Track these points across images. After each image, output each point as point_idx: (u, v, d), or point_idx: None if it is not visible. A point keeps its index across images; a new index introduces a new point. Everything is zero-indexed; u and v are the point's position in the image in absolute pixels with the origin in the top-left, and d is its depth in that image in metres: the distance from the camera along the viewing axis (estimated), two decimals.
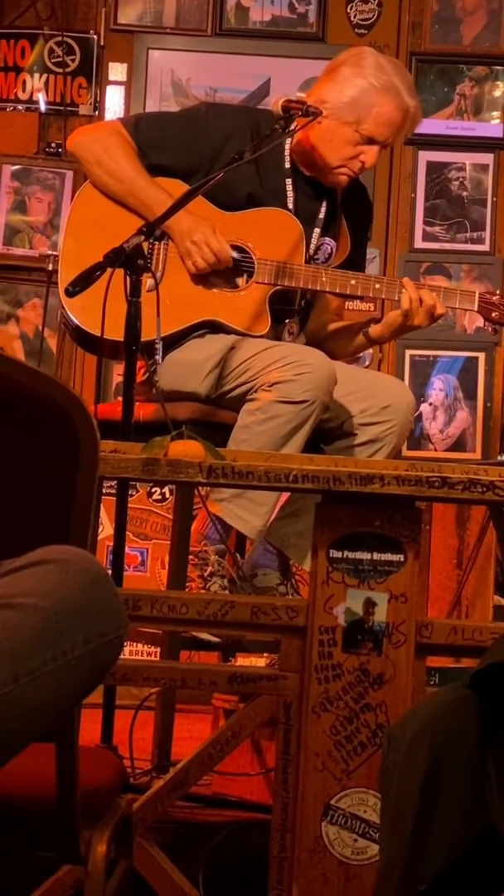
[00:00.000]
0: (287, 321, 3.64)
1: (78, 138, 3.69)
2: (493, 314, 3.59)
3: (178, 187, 3.55)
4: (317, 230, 3.67)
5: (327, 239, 3.70)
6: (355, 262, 3.73)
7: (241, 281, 3.59)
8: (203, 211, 3.50)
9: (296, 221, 3.61)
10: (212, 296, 3.57)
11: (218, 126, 3.62)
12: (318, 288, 3.60)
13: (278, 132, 3.52)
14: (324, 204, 3.69)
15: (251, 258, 3.57)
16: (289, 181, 3.65)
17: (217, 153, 3.57)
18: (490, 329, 3.62)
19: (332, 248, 3.72)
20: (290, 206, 3.64)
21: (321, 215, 3.68)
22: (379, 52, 3.74)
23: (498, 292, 3.66)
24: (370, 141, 3.61)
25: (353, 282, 3.59)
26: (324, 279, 3.58)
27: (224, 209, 3.57)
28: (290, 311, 3.65)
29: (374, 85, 3.58)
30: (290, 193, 3.65)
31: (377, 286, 3.61)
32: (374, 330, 3.65)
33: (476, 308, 3.60)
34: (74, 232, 3.60)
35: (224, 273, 3.57)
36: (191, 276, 3.55)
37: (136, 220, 3.48)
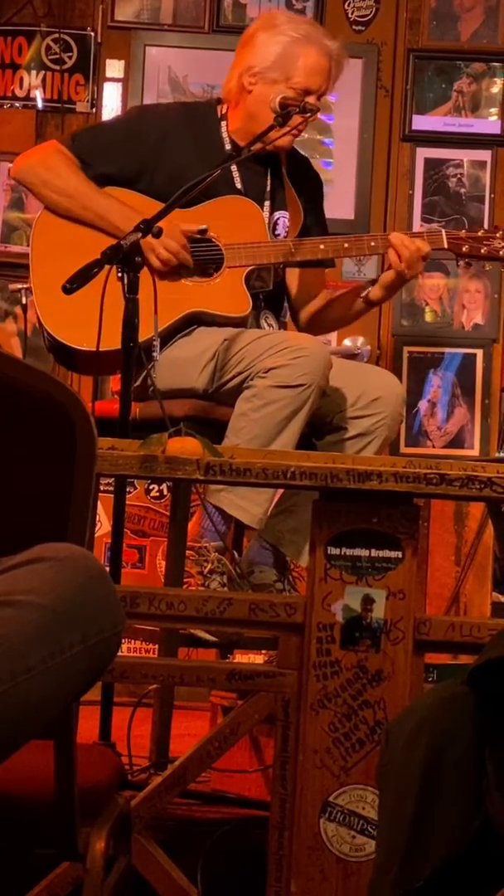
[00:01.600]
0: (263, 309, 3.65)
1: (20, 164, 3.71)
2: (464, 248, 3.64)
3: (126, 195, 3.58)
4: (267, 203, 3.70)
5: (280, 213, 3.73)
6: (314, 229, 3.76)
7: (210, 271, 3.60)
8: (158, 209, 3.49)
9: (252, 203, 3.65)
10: (188, 289, 3.59)
11: (154, 126, 3.66)
12: (289, 258, 3.63)
13: (275, 128, 3.53)
14: (268, 177, 3.72)
15: (218, 246, 3.59)
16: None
17: (157, 153, 3.61)
18: (464, 265, 3.66)
19: (287, 221, 3.74)
20: (239, 186, 3.68)
21: (268, 188, 3.70)
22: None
23: (463, 229, 3.70)
24: (306, 93, 3.62)
25: (321, 246, 3.62)
26: (291, 249, 3.60)
27: (180, 207, 3.58)
28: (268, 295, 3.67)
29: (293, 37, 3.62)
30: (236, 175, 3.68)
31: (346, 245, 3.64)
32: (374, 293, 3.67)
33: (446, 245, 3.63)
34: (40, 260, 3.60)
35: (191, 268, 3.58)
36: (157, 273, 3.54)
37: (97, 234, 3.49)
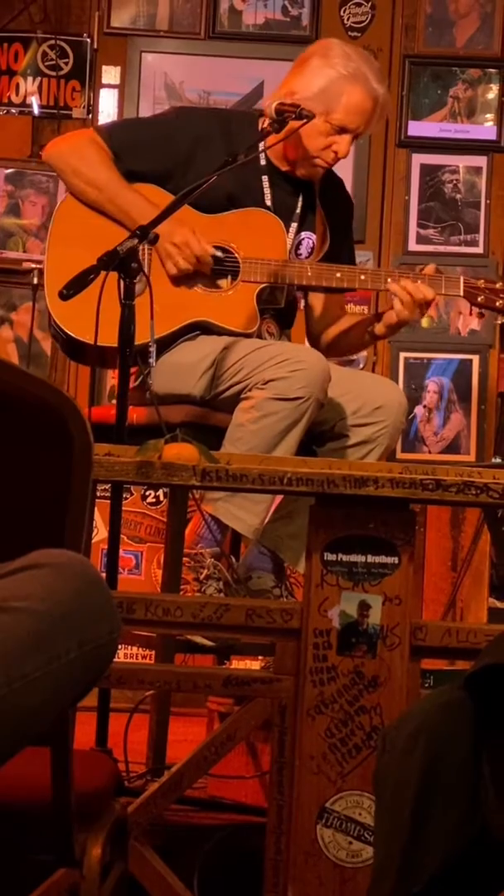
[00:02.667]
0: (264, 318, 3.64)
1: (53, 149, 3.70)
2: (479, 298, 3.61)
3: (155, 192, 3.57)
4: (294, 225, 3.69)
5: (307, 233, 3.72)
6: (338, 255, 3.74)
7: (224, 283, 3.60)
8: (182, 214, 3.49)
9: (277, 220, 3.62)
10: (198, 297, 3.58)
11: (189, 129, 3.64)
12: (305, 283, 3.62)
13: (269, 133, 3.52)
14: (300, 198, 3.70)
15: (235, 258, 3.58)
16: (265, 178, 3.67)
17: (190, 156, 3.59)
18: (478, 314, 3.64)
19: (313, 243, 3.73)
20: (269, 203, 3.66)
21: (298, 210, 3.70)
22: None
23: (482, 278, 3.67)
24: (342, 130, 3.61)
25: (338, 275, 3.60)
26: (309, 273, 3.59)
27: (203, 212, 3.58)
28: (277, 309, 3.67)
29: (341, 73, 3.60)
30: (266, 191, 3.66)
31: (362, 277, 3.63)
32: (378, 329, 3.66)
33: (462, 293, 3.61)
34: (57, 244, 3.60)
35: (207, 276, 3.58)
36: (171, 279, 3.55)
37: (117, 228, 3.49)
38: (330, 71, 3.60)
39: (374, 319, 3.71)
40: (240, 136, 3.62)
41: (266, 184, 3.67)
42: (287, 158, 3.66)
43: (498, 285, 3.62)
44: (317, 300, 3.81)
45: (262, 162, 3.68)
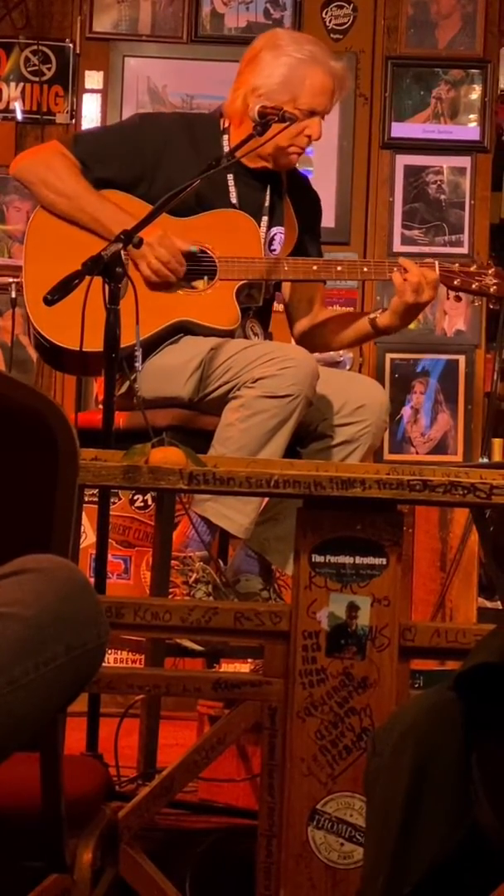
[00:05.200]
0: (249, 318, 3.65)
1: (20, 163, 3.71)
2: (455, 281, 3.62)
3: (124, 199, 3.58)
4: (265, 219, 3.69)
5: (277, 228, 3.73)
6: (306, 249, 3.75)
7: (201, 283, 3.60)
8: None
9: (249, 218, 3.64)
10: (177, 298, 3.59)
11: (154, 135, 3.65)
12: (282, 277, 3.63)
13: (253, 136, 3.53)
14: (267, 193, 3.71)
15: (212, 258, 3.59)
16: (230, 176, 3.67)
17: (157, 160, 3.61)
18: (455, 298, 3.65)
19: (283, 237, 3.74)
20: (234, 200, 3.67)
21: (266, 203, 3.71)
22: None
23: (457, 262, 3.68)
24: (311, 113, 3.63)
25: (314, 267, 3.62)
26: (286, 268, 3.61)
27: (175, 215, 3.58)
28: (256, 309, 3.67)
29: (298, 59, 3.62)
30: (231, 188, 3.67)
31: (339, 268, 3.64)
32: (383, 319, 3.65)
33: (437, 276, 3.62)
34: (34, 257, 3.61)
35: (183, 277, 3.59)
36: (147, 282, 3.55)
37: (90, 236, 3.50)
38: (286, 59, 3.62)
39: (361, 315, 3.72)
40: (204, 139, 3.66)
41: (231, 182, 3.68)
42: (260, 155, 3.66)
43: (472, 268, 3.64)
44: (285, 288, 3.81)
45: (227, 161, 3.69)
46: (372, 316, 3.70)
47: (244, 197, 3.68)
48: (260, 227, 3.67)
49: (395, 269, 3.59)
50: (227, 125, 3.71)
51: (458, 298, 3.64)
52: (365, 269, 3.69)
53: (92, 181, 3.60)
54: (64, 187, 3.59)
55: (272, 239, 3.72)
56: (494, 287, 3.63)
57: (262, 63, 3.65)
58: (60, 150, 3.65)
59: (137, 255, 3.52)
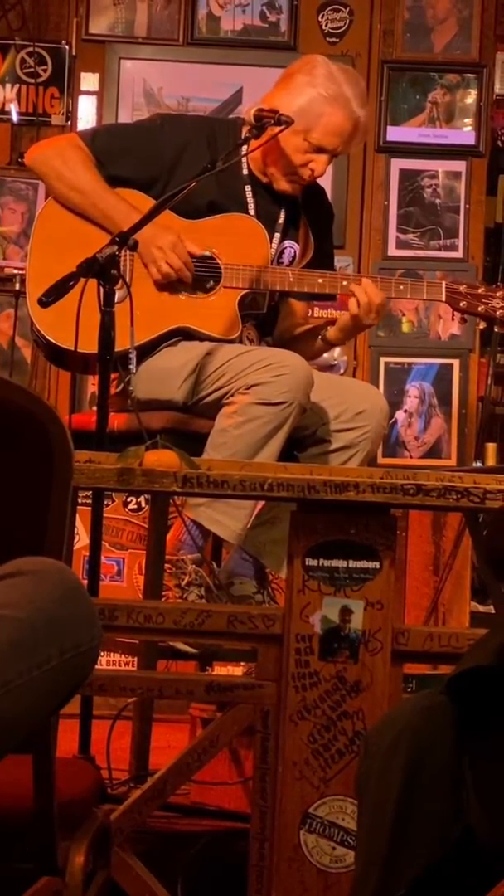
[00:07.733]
0: (245, 325, 3.64)
1: (36, 153, 3.70)
2: (462, 303, 3.60)
3: (138, 198, 3.57)
4: (277, 234, 3.69)
5: (289, 242, 3.72)
6: (321, 262, 3.74)
7: (207, 288, 3.60)
8: (165, 220, 3.50)
9: (259, 225, 3.63)
10: (180, 303, 3.58)
11: (174, 136, 3.64)
12: (287, 288, 3.62)
13: (249, 140, 3.53)
14: (283, 209, 3.71)
15: (217, 264, 3.58)
16: (248, 188, 3.67)
17: (174, 163, 3.60)
18: (460, 319, 3.61)
19: (295, 252, 3.74)
20: (251, 211, 3.66)
21: (281, 220, 3.70)
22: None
23: (464, 283, 3.67)
24: (319, 150, 3.62)
25: (320, 280, 3.61)
26: (291, 279, 3.60)
27: (185, 217, 3.58)
28: (258, 315, 3.67)
29: (322, 94, 3.60)
30: (250, 200, 3.67)
31: (344, 283, 3.64)
32: (331, 333, 3.67)
33: (444, 298, 3.61)
34: (40, 249, 3.60)
35: (190, 281, 3.58)
36: (156, 283, 3.55)
37: (100, 232, 3.49)
38: (311, 91, 3.61)
39: (325, 327, 3.72)
40: (223, 144, 3.63)
41: (249, 192, 3.68)
42: (266, 172, 3.66)
43: (480, 290, 3.61)
44: (284, 304, 3.81)
45: (245, 171, 3.69)
46: (323, 333, 3.70)
47: (261, 209, 3.67)
48: (271, 240, 3.66)
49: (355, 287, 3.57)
50: (247, 132, 3.68)
51: (463, 321, 3.60)
52: (344, 283, 3.66)
53: (106, 178, 3.60)
54: (78, 181, 3.59)
55: (282, 251, 3.71)
56: (501, 311, 3.60)
57: (292, 85, 3.64)
58: (77, 144, 3.64)
59: (149, 259, 3.52)
